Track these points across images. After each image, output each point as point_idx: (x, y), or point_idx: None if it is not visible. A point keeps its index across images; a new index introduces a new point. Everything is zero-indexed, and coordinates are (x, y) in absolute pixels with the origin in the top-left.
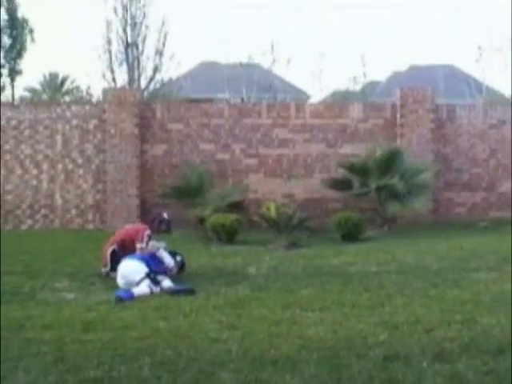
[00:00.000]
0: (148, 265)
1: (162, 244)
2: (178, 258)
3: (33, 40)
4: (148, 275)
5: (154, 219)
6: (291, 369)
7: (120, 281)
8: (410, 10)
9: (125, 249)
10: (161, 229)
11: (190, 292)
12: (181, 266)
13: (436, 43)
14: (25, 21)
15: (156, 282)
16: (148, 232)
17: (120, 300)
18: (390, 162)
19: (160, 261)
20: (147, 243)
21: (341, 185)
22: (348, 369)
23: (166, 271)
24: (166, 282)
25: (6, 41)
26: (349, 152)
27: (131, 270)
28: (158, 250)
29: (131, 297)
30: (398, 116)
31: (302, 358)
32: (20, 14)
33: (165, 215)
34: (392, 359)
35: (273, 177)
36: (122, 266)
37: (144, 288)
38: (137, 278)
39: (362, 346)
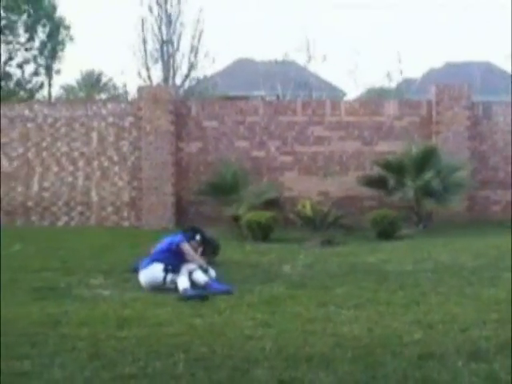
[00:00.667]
0: (161, 259)
1: (212, 272)
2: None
3: (71, 39)
4: (166, 270)
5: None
6: (325, 367)
7: (148, 288)
8: (446, 6)
9: None
10: (207, 252)
11: (228, 293)
12: (214, 250)
13: (472, 39)
14: (62, 20)
15: (173, 271)
16: (201, 249)
17: (190, 298)
18: (425, 159)
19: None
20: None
21: (376, 182)
22: (382, 367)
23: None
24: (200, 276)
25: (44, 40)
26: (384, 149)
27: (148, 275)
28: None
29: (200, 293)
30: (434, 113)
31: (336, 356)
32: (58, 13)
33: (210, 236)
34: (427, 358)
35: (308, 174)
36: (141, 277)
37: (183, 280)
38: (159, 279)
39: (396, 345)
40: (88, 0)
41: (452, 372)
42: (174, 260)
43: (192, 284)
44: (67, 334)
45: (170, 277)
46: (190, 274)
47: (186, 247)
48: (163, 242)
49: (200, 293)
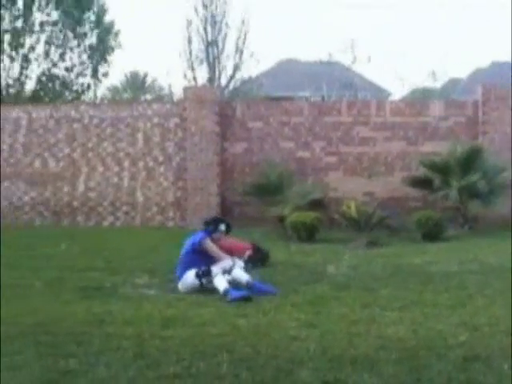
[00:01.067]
0: (190, 263)
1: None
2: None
3: (119, 46)
4: (199, 275)
5: (256, 250)
6: (370, 368)
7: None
8: (493, 4)
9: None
10: (259, 261)
11: (271, 293)
12: (263, 259)
13: None
14: (111, 26)
15: (206, 275)
16: (250, 252)
17: (233, 300)
18: (470, 160)
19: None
20: (246, 262)
21: (422, 183)
22: (427, 369)
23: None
24: (241, 274)
25: (93, 45)
26: (430, 150)
27: (185, 285)
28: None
29: (244, 294)
30: (480, 113)
31: (380, 358)
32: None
33: (262, 248)
34: (472, 360)
35: (353, 175)
36: (179, 287)
37: (220, 280)
38: (196, 285)
39: (441, 347)
40: (134, 2)
41: (497, 375)
42: (203, 261)
43: (233, 281)
44: (112, 333)
45: (205, 280)
46: (229, 272)
47: (208, 244)
48: (187, 244)
49: (243, 294)
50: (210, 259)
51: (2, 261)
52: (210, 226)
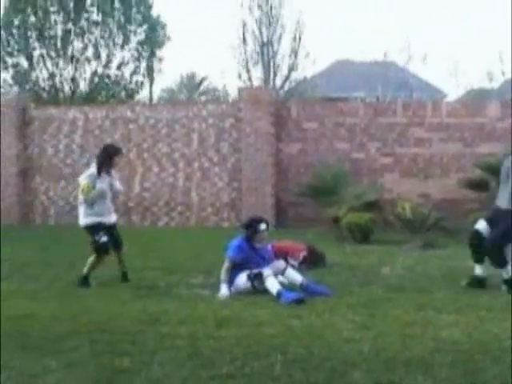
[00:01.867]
0: (241, 265)
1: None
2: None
3: (168, 39)
4: (250, 277)
5: (311, 252)
6: (424, 371)
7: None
8: None
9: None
10: (314, 263)
11: (326, 295)
12: (318, 260)
13: None
14: (157, 19)
15: (257, 277)
16: (304, 253)
17: (287, 303)
18: None
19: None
20: (301, 263)
21: (477, 185)
22: (483, 373)
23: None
24: (294, 274)
25: (141, 40)
26: (486, 151)
27: (238, 288)
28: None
29: (298, 296)
30: None
31: (435, 361)
32: (155, 12)
33: (317, 249)
34: None
35: (408, 176)
36: (232, 289)
37: (273, 282)
38: (249, 288)
39: (497, 350)
40: (188, 2)
41: None
42: (251, 262)
43: (288, 283)
44: (166, 333)
45: (257, 283)
46: (282, 273)
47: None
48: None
49: (297, 297)
50: (259, 261)
51: (59, 261)
52: (249, 230)
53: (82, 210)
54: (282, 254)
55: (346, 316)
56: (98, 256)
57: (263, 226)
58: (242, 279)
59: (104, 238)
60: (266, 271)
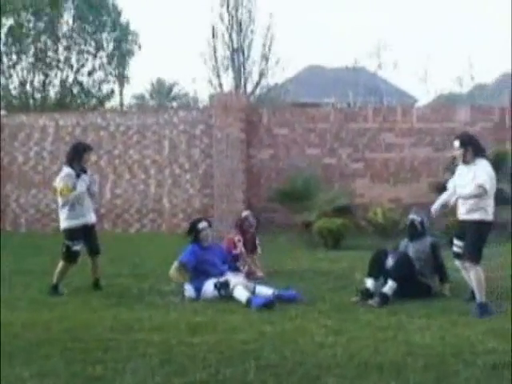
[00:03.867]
0: (205, 272)
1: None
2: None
3: (139, 47)
4: (216, 286)
5: (241, 223)
6: (397, 375)
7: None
8: None
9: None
10: (248, 229)
11: (295, 299)
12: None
13: None
14: (127, 26)
15: (223, 286)
16: (238, 237)
17: (258, 308)
18: (498, 166)
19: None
20: (241, 249)
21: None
22: (455, 376)
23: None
24: (264, 289)
25: (112, 47)
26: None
27: (206, 296)
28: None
29: (267, 300)
30: (508, 119)
31: (407, 365)
32: (124, 19)
33: (247, 215)
34: (501, 368)
35: (379, 181)
36: (201, 296)
37: (240, 290)
38: (217, 296)
39: (469, 354)
40: (157, 9)
41: None
42: (207, 264)
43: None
44: (139, 340)
45: (223, 292)
46: (252, 291)
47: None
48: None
49: (266, 301)
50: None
51: (31, 268)
52: (192, 232)
53: (63, 213)
54: (229, 252)
55: (319, 321)
56: (65, 263)
57: (203, 225)
58: (210, 288)
59: (77, 247)
60: (233, 280)
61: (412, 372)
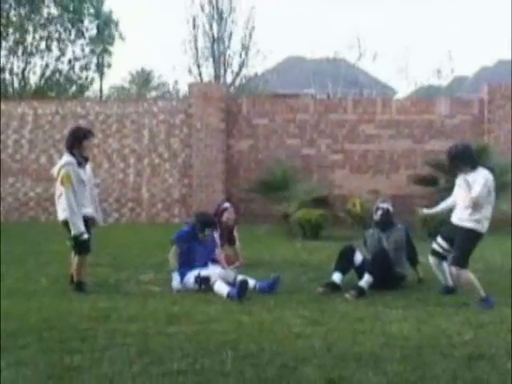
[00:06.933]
0: (191, 257)
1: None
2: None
3: (120, 36)
4: (196, 280)
5: (220, 214)
6: (374, 366)
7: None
8: (499, 3)
9: None
10: (227, 221)
11: (274, 284)
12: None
13: None
14: (109, 15)
15: (204, 281)
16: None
17: (240, 297)
18: (479, 160)
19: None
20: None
21: (427, 181)
22: (432, 367)
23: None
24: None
25: (93, 36)
26: (435, 148)
27: (184, 285)
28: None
29: (241, 285)
30: (486, 112)
31: (385, 355)
32: (107, 8)
33: (227, 206)
34: (477, 359)
35: (358, 172)
36: (182, 287)
37: (220, 285)
38: (196, 288)
39: (446, 345)
40: None
41: (502, 373)
42: (194, 252)
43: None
44: (117, 330)
45: (204, 286)
46: (233, 282)
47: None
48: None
49: (241, 285)
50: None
51: (8, 257)
52: (199, 224)
53: (61, 203)
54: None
55: (297, 312)
56: (79, 256)
57: (208, 231)
58: (190, 280)
59: (85, 236)
60: (213, 276)
61: (389, 363)
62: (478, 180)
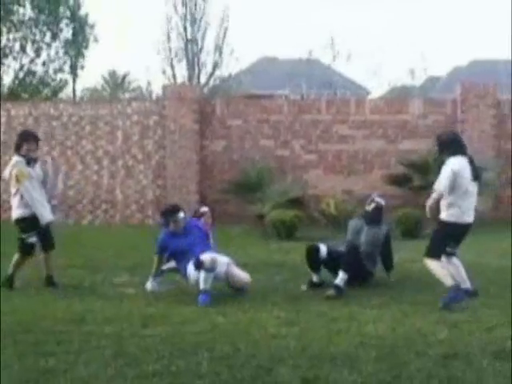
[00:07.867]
0: (184, 254)
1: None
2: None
3: (95, 40)
4: (196, 267)
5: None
6: (350, 366)
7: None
8: (472, 3)
9: None
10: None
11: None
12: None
13: (498, 37)
14: (85, 18)
15: (199, 265)
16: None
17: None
18: None
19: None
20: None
21: (401, 181)
22: (407, 367)
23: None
24: (241, 275)
25: (68, 38)
26: (409, 148)
27: (191, 281)
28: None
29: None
30: (459, 112)
31: (360, 355)
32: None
33: (206, 211)
34: (452, 358)
35: (332, 173)
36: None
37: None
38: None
39: (421, 344)
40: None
41: (477, 372)
42: (183, 245)
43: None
44: (92, 332)
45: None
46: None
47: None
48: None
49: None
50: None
51: None
52: (166, 218)
53: (15, 201)
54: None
55: (272, 312)
56: (20, 255)
57: (177, 218)
58: (191, 271)
59: (33, 239)
60: (206, 262)
61: (364, 363)
62: (444, 171)
